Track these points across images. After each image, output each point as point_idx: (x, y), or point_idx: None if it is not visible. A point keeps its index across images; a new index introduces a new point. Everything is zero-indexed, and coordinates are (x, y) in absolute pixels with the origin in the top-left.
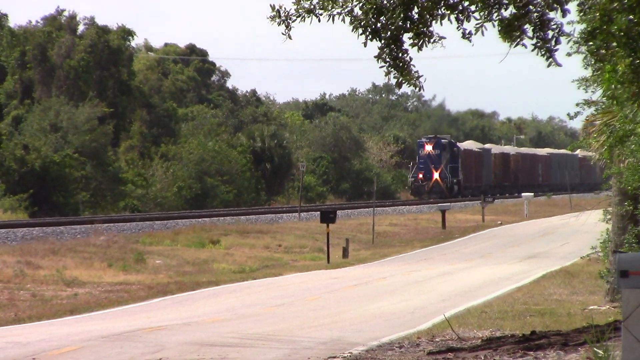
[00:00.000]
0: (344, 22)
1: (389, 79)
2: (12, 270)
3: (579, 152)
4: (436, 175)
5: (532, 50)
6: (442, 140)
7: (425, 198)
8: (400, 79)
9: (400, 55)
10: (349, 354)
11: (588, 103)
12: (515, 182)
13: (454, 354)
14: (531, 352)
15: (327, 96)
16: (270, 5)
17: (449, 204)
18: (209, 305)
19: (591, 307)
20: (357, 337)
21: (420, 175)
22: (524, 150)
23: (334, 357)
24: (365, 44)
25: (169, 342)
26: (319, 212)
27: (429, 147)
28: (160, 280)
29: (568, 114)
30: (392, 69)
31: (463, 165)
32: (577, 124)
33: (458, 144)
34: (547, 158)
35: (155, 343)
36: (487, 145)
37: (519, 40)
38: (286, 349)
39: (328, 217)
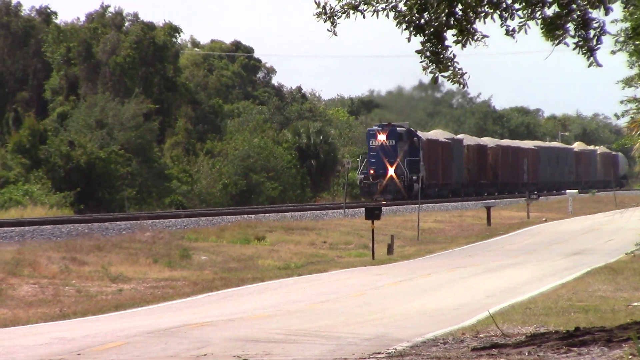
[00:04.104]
0: (388, 17)
1: (426, 74)
2: (58, 266)
3: (575, 146)
4: (391, 171)
5: (574, 49)
6: (399, 129)
7: (377, 199)
8: (437, 74)
9: (441, 51)
10: (393, 350)
11: (633, 100)
12: (494, 180)
13: (498, 350)
14: (575, 348)
15: (374, 93)
16: (315, 2)
17: (493, 200)
18: (253, 302)
19: (635, 304)
20: (401, 334)
21: (372, 172)
22: (506, 142)
23: (379, 353)
24: (409, 39)
25: (214, 338)
26: (364, 209)
27: (381, 137)
28: (206, 277)
29: (615, 114)
30: (432, 64)
31: (426, 158)
32: (622, 121)
33: (420, 133)
34: (534, 152)
35: (200, 339)
36: (460, 136)
37: (561, 38)
38: (331, 345)
39: (373, 213)
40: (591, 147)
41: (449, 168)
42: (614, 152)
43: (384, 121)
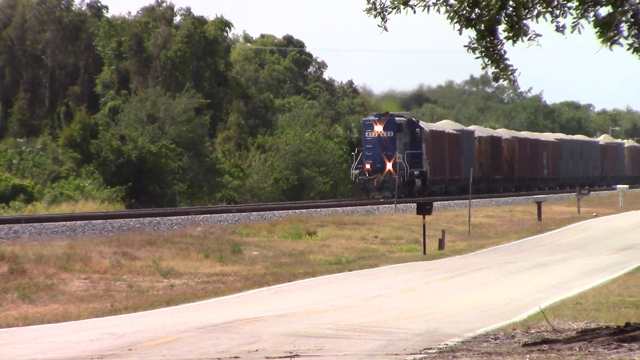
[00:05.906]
0: (439, 12)
1: (486, 72)
2: (109, 261)
3: (600, 139)
4: (389, 165)
5: (628, 50)
6: (397, 119)
7: (375, 197)
8: (499, 73)
9: (495, 47)
10: (444, 346)
11: None
12: (510, 175)
13: (549, 345)
14: (625, 344)
15: (424, 87)
16: None
17: (544, 195)
18: (305, 297)
19: None
20: (452, 329)
21: (368, 166)
22: (523, 134)
23: (430, 349)
24: (460, 32)
25: (265, 333)
26: (415, 204)
27: (378, 128)
28: (257, 272)
29: None
30: (489, 62)
31: (430, 152)
32: None
33: (423, 123)
34: (555, 145)
35: (252, 334)
36: (471, 127)
37: (614, 39)
38: (382, 341)
39: (424, 208)
40: (618, 141)
41: (457, 162)
42: None
43: (435, 116)
